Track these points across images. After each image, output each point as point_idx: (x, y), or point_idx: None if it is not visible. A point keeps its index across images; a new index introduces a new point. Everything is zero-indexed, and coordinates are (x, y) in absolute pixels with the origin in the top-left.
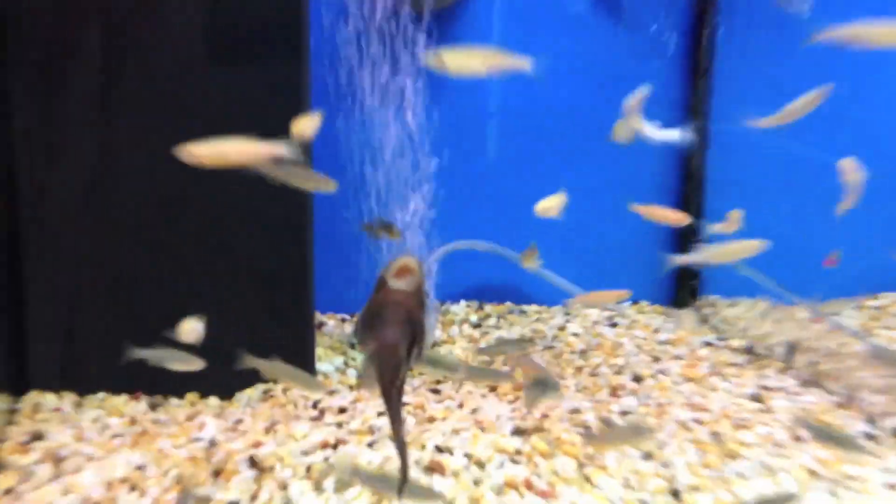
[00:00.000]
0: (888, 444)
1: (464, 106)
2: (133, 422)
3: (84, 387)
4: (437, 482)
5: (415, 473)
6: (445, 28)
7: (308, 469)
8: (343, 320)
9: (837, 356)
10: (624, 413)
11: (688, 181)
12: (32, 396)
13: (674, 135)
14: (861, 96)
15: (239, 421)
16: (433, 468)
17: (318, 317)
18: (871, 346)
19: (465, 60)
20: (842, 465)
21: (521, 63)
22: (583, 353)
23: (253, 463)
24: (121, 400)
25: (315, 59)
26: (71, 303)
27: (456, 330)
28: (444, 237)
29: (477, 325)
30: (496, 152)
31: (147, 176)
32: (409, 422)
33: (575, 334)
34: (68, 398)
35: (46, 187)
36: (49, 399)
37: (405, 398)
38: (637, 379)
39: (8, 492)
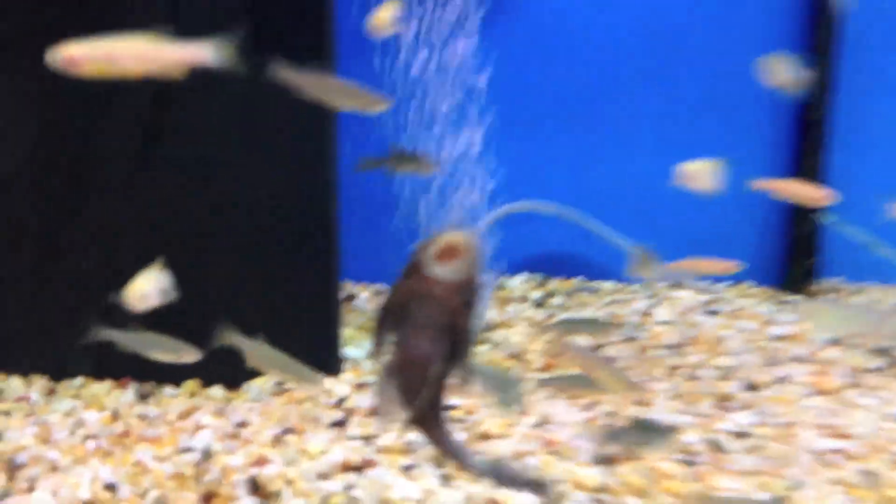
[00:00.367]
0: None
1: (533, 41)
2: (115, 417)
3: (59, 369)
4: None
5: None
6: None
7: (324, 502)
8: (378, 293)
9: None
10: (738, 435)
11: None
12: None
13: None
14: None
15: (242, 423)
16: None
17: (348, 288)
18: None
19: None
20: None
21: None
22: (675, 349)
23: (254, 487)
24: (103, 387)
25: None
26: (42, 261)
27: (513, 310)
28: (502, 199)
29: (539, 304)
30: (567, 96)
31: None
32: (459, 438)
33: (664, 322)
34: (38, 384)
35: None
36: (14, 384)
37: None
38: (751, 387)
39: None
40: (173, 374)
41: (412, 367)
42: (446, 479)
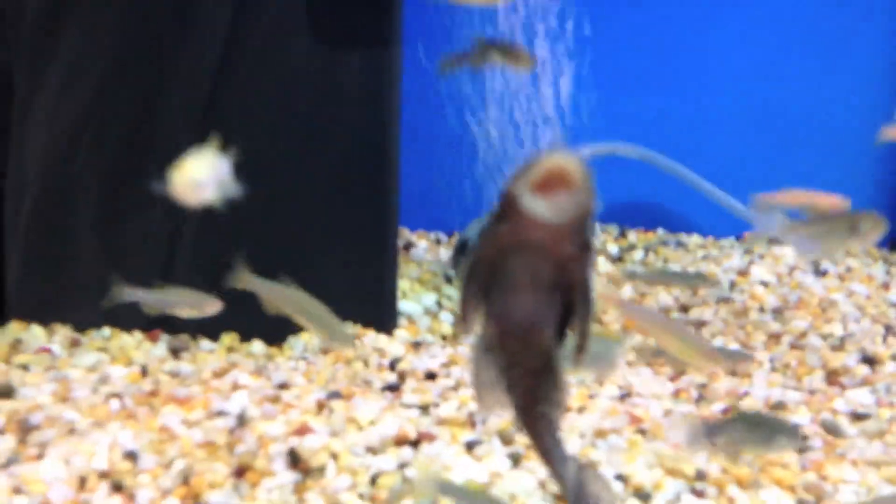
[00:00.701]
0: None
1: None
2: (143, 373)
3: (84, 318)
4: None
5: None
6: None
7: (373, 481)
8: (438, 242)
9: None
10: (855, 417)
11: None
12: (12, 329)
13: None
14: None
15: (284, 385)
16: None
17: (406, 235)
18: None
19: None
20: None
21: None
22: (778, 314)
23: (294, 461)
24: (132, 340)
25: None
26: (65, 205)
27: None
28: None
29: (618, 259)
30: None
31: None
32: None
33: (764, 283)
34: (61, 333)
35: None
36: (35, 334)
37: None
38: (868, 361)
39: None
40: (210, 326)
41: (515, 339)
42: (516, 461)
